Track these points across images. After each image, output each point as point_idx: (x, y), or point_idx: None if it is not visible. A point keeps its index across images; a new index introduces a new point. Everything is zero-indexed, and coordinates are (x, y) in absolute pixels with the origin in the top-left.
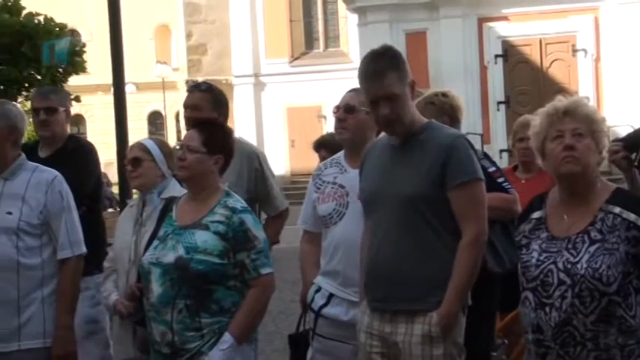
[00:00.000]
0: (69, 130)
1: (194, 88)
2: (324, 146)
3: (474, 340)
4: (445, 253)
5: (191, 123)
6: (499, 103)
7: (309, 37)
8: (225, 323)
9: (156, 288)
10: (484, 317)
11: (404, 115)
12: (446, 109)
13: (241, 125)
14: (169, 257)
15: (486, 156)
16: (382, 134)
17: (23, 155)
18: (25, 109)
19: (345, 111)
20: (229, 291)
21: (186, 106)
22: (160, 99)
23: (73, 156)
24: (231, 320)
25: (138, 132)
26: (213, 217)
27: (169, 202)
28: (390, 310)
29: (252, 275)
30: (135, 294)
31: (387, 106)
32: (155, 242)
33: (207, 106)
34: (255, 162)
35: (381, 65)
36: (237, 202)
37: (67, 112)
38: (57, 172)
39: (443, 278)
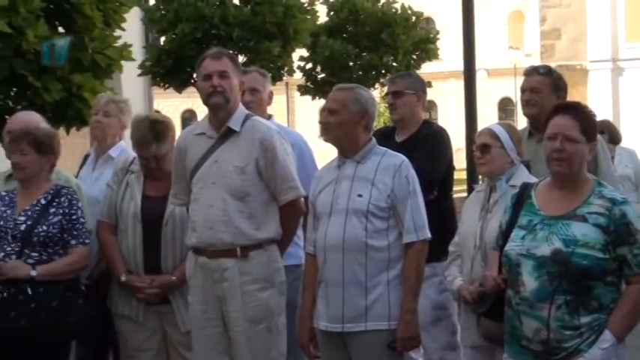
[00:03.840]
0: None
1: (532, 71)
2: None
3: None
4: None
5: (560, 107)
6: None
7: None
8: (604, 320)
9: (529, 281)
10: None
11: None
12: None
13: (597, 111)
14: (543, 249)
15: None
16: None
17: (373, 139)
18: (382, 95)
19: None
20: (608, 287)
21: (524, 89)
22: (510, 85)
23: (425, 141)
24: (608, 317)
25: (488, 118)
26: (589, 209)
27: (524, 189)
28: None
29: (633, 271)
30: (500, 286)
31: None
32: (520, 232)
33: (547, 89)
34: None
35: None
36: (614, 192)
37: (418, 96)
38: (404, 157)
39: None
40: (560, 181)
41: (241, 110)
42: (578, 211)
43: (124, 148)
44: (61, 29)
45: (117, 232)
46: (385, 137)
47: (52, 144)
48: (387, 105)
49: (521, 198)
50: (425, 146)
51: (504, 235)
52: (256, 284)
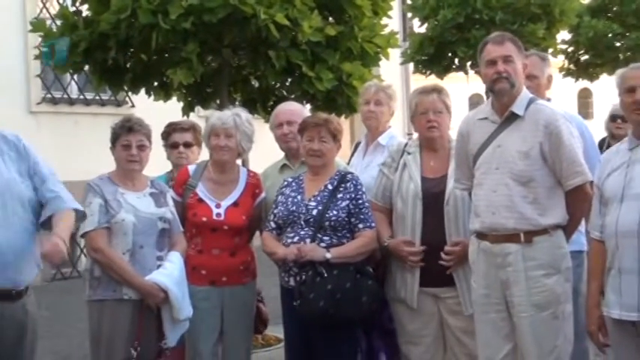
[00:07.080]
0: None
1: None
2: None
3: None
4: None
5: None
6: None
7: None
8: None
9: None
10: None
11: None
12: None
13: None
14: None
15: None
16: None
17: None
18: None
19: None
20: None
21: None
22: None
23: None
24: None
25: None
26: None
27: None
28: None
29: None
30: None
31: None
32: None
33: None
34: None
35: None
36: None
37: None
38: None
39: None
40: None
41: (525, 94)
42: None
43: (394, 135)
44: (331, 19)
45: (388, 214)
46: None
47: (342, 132)
48: None
49: None
50: None
51: None
52: (541, 270)
